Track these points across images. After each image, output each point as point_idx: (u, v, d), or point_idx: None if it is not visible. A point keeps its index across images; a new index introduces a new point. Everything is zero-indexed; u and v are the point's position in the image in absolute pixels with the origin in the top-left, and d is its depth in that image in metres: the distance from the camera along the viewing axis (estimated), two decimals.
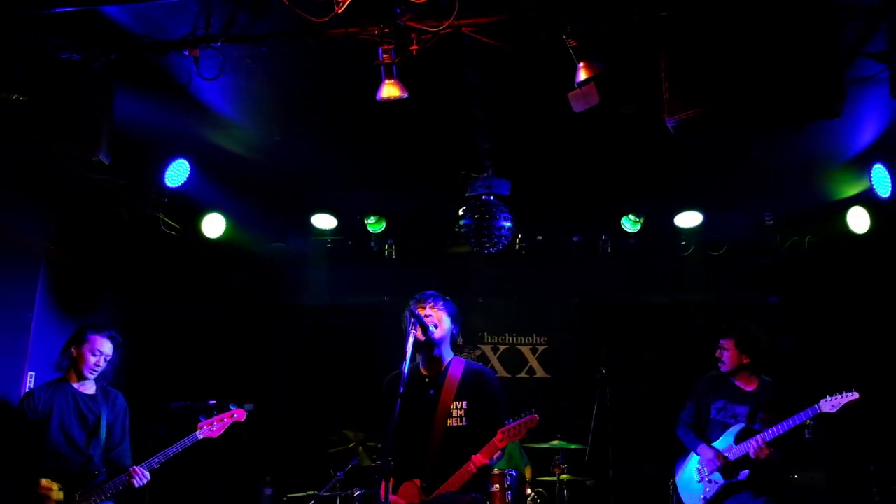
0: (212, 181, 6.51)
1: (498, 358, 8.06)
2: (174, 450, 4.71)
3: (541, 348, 8.13)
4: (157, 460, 4.67)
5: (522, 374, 8.05)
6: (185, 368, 7.22)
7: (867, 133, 5.57)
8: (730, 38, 3.26)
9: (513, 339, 8.16)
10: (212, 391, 6.36)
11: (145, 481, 4.64)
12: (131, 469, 4.62)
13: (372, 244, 7.59)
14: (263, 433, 7.07)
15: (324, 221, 7.33)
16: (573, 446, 6.27)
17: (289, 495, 6.16)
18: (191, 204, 6.79)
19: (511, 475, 5.81)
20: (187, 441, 4.76)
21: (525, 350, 8.14)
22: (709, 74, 3.27)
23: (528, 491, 6.11)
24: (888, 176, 5.75)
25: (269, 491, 6.73)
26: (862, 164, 5.98)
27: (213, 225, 6.94)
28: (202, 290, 7.82)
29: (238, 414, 5.00)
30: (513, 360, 8.08)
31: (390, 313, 8.15)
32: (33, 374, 5.82)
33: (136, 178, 6.04)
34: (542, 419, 6.83)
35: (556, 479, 6.16)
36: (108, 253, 6.80)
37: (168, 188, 6.11)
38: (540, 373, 8.09)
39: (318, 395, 7.78)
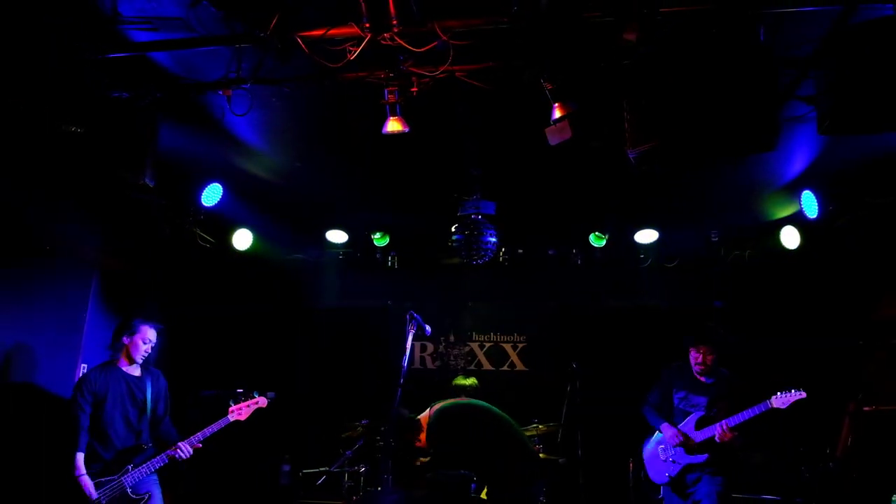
0: (241, 201, 6.50)
1: (484, 353, 8.05)
2: (211, 430, 4.69)
3: (521, 345, 8.11)
4: (197, 438, 4.62)
5: (505, 368, 8.03)
6: (217, 362, 7.17)
7: (798, 164, 5.59)
8: (682, 83, 3.26)
9: (497, 338, 8.13)
10: (239, 382, 6.33)
11: (188, 455, 4.58)
12: (178, 445, 4.56)
13: (377, 256, 7.58)
14: (283, 417, 7.03)
15: (336, 236, 7.32)
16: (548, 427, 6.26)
17: (304, 471, 6.11)
18: (223, 221, 6.78)
19: None
20: (221, 423, 4.74)
21: (507, 347, 8.12)
22: (664, 113, 3.28)
23: None
24: (815, 200, 5.77)
25: (286, 467, 6.69)
26: (793, 190, 6.00)
27: (242, 239, 6.93)
28: (232, 294, 7.80)
29: (261, 401, 4.98)
30: (497, 355, 8.06)
31: (393, 315, 8.14)
32: (85, 365, 5.77)
33: (176, 198, 6.02)
34: (522, 406, 6.88)
35: None
36: (151, 262, 6.77)
37: (204, 207, 6.09)
38: (520, 366, 8.07)
39: (331, 384, 7.74)
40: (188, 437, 4.64)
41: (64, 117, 3.79)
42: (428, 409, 4.83)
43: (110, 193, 5.73)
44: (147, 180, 4.04)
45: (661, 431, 5.02)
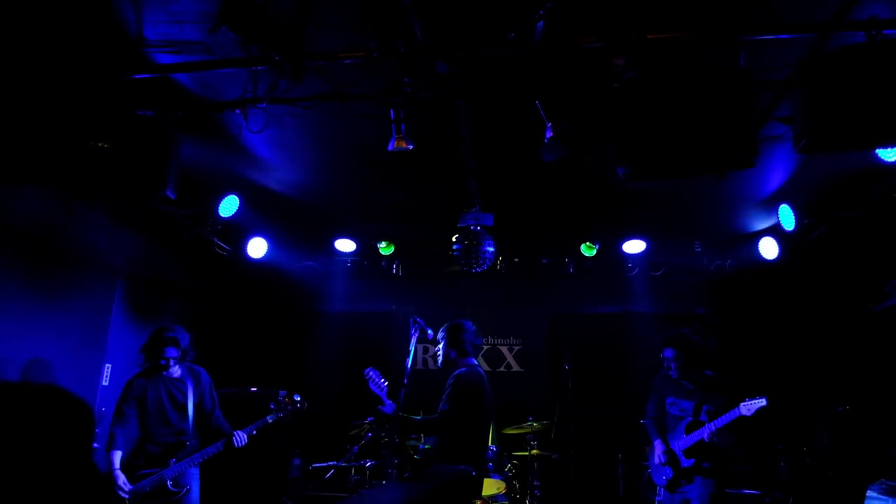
0: (256, 212, 6.51)
1: (482, 356, 8.03)
2: (261, 424, 4.71)
3: (516, 348, 8.10)
4: (253, 427, 4.68)
5: (501, 369, 8.01)
6: (233, 361, 7.16)
7: (775, 180, 5.60)
8: (667, 103, 3.27)
9: (494, 341, 8.12)
10: (253, 380, 6.33)
11: (243, 443, 4.63)
12: (234, 432, 4.60)
13: (383, 264, 7.59)
14: (294, 414, 7.02)
15: (344, 245, 7.32)
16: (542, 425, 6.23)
17: (313, 465, 6.09)
18: (239, 230, 6.78)
19: (492, 449, 5.78)
20: (260, 423, 4.72)
21: (503, 349, 8.11)
22: (653, 133, 3.28)
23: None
24: (792, 214, 5.78)
25: (297, 461, 6.66)
26: (771, 204, 6.01)
27: (257, 247, 6.94)
28: (247, 298, 7.79)
29: (301, 404, 4.92)
30: (494, 357, 8.05)
31: (397, 319, 8.15)
32: (110, 365, 5.76)
33: (195, 209, 6.03)
34: (516, 405, 6.87)
35: (528, 453, 6.12)
36: (172, 268, 6.77)
37: (221, 217, 6.10)
38: (515, 368, 8.06)
39: (339, 383, 7.72)
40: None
41: (92, 134, 3.81)
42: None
43: (135, 204, 5.77)
44: (169, 193, 4.04)
45: (654, 446, 4.99)
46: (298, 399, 4.92)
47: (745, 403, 4.57)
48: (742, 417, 4.55)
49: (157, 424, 4.53)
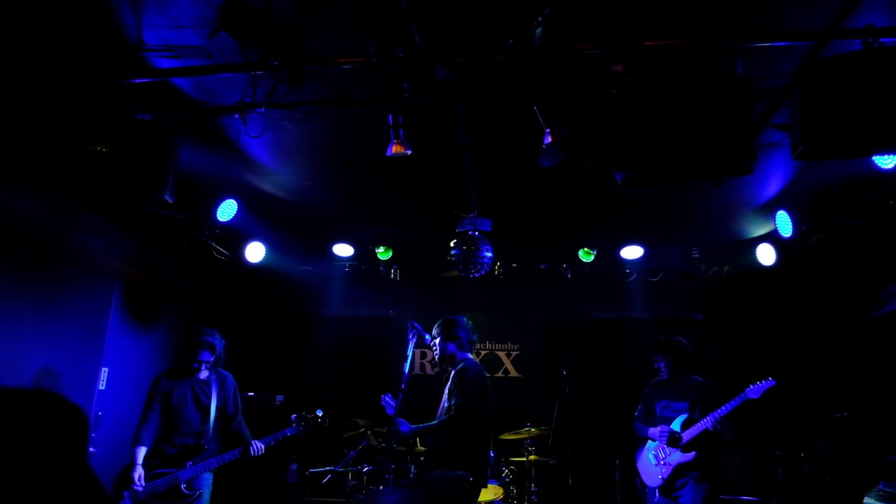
0: (255, 216, 6.51)
1: (480, 361, 7.99)
2: (282, 434, 4.67)
3: (514, 353, 8.10)
4: (272, 438, 4.63)
5: (499, 374, 8.00)
6: (230, 365, 7.13)
7: (773, 186, 5.61)
8: (665, 110, 3.27)
9: (492, 346, 8.12)
10: (251, 384, 6.30)
11: (260, 452, 4.59)
12: (252, 442, 4.57)
13: (381, 268, 7.58)
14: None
15: (343, 250, 7.32)
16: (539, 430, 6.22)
17: (311, 469, 6.07)
18: (237, 234, 6.78)
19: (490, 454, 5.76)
20: (279, 435, 4.68)
21: (501, 355, 8.10)
22: (651, 139, 3.28)
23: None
24: (789, 220, 5.79)
25: (294, 466, 6.64)
26: (769, 210, 6.02)
27: (255, 251, 6.93)
28: (245, 303, 7.77)
29: (323, 420, 4.87)
30: (492, 362, 8.03)
31: (395, 324, 8.14)
32: (107, 369, 5.74)
33: (194, 213, 6.02)
34: (515, 411, 6.85)
35: (525, 459, 6.10)
36: (170, 272, 6.76)
37: (219, 222, 6.09)
38: (513, 373, 8.05)
39: (336, 387, 7.71)
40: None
41: (91, 138, 3.81)
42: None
43: (133, 208, 5.76)
44: (167, 196, 4.03)
45: (650, 436, 4.97)
46: (321, 415, 4.88)
47: (752, 387, 4.56)
48: (749, 401, 4.53)
49: (179, 425, 4.50)
